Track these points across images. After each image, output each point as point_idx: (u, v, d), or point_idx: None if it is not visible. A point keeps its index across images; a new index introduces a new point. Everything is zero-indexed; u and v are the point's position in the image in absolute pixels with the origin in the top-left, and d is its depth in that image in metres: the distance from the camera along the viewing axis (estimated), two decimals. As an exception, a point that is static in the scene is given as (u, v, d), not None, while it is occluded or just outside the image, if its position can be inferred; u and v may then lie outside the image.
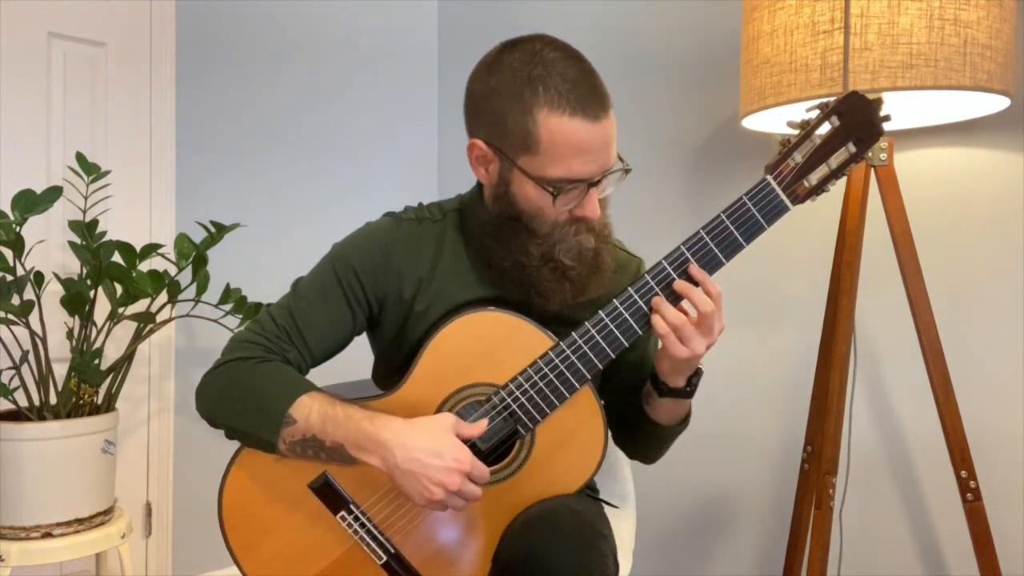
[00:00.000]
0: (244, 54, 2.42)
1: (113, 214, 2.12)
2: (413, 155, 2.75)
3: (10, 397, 1.82)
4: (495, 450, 1.21)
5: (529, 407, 1.18)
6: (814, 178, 1.17)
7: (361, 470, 1.18)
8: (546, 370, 1.18)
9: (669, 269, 1.17)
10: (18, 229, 1.75)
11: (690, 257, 1.16)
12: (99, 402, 1.91)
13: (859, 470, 1.92)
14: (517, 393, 1.18)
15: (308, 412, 1.16)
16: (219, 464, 1.24)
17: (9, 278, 1.78)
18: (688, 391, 1.23)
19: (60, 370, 1.88)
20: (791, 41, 1.53)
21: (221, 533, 1.23)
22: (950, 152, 1.82)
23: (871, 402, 1.92)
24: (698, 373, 1.23)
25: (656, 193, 2.24)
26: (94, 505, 1.84)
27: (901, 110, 1.67)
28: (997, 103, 1.59)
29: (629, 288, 1.17)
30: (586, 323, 1.18)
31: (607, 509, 1.39)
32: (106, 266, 1.85)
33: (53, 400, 1.84)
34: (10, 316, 1.78)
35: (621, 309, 1.17)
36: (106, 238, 1.90)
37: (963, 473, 1.57)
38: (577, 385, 1.18)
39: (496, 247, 1.22)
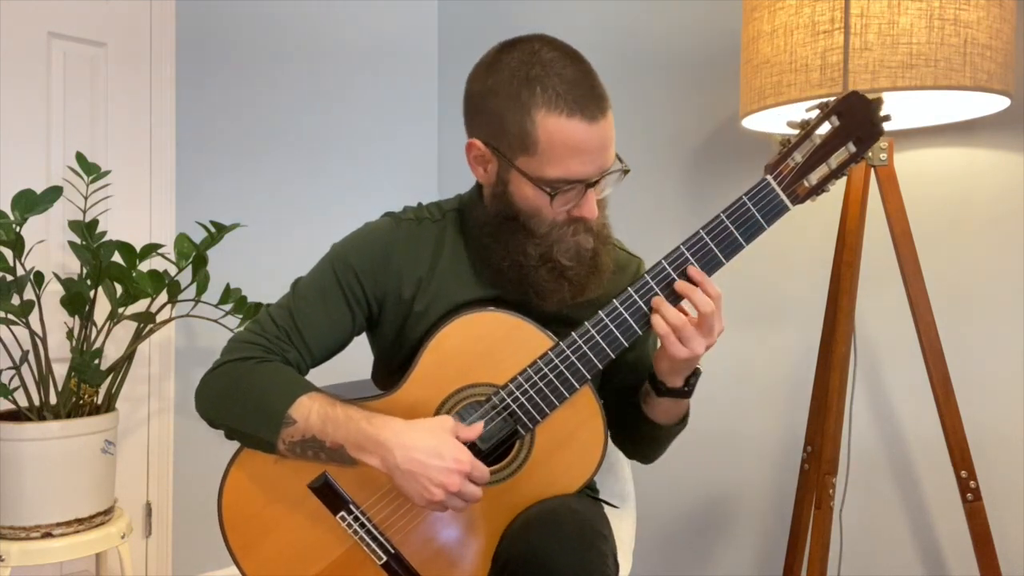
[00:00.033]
0: (244, 54, 2.42)
1: (113, 214, 2.12)
2: (413, 155, 2.75)
3: (10, 397, 1.82)
4: (495, 450, 1.21)
5: (529, 407, 1.18)
6: (814, 178, 1.16)
7: (361, 470, 1.17)
8: (546, 370, 1.18)
9: (669, 269, 1.16)
10: (18, 229, 1.75)
11: (690, 257, 1.16)
12: (99, 402, 1.91)
13: (859, 470, 1.92)
14: (517, 393, 1.18)
15: (308, 413, 1.16)
16: (219, 464, 1.24)
17: (9, 278, 1.78)
18: (686, 391, 1.23)
19: (60, 370, 1.88)
20: (791, 41, 1.53)
21: (221, 533, 1.23)
22: (950, 152, 1.82)
23: (871, 402, 1.92)
24: (696, 373, 1.23)
25: (656, 193, 2.24)
26: (94, 505, 1.84)
27: (901, 110, 1.67)
28: (997, 103, 1.59)
29: (629, 288, 1.17)
30: (586, 323, 1.17)
31: (607, 509, 1.39)
32: (106, 266, 1.85)
33: (53, 400, 1.84)
34: (10, 316, 1.78)
35: (621, 309, 1.17)
36: (106, 238, 1.90)
37: (963, 473, 1.57)
38: (577, 385, 1.18)
39: (495, 247, 1.22)
